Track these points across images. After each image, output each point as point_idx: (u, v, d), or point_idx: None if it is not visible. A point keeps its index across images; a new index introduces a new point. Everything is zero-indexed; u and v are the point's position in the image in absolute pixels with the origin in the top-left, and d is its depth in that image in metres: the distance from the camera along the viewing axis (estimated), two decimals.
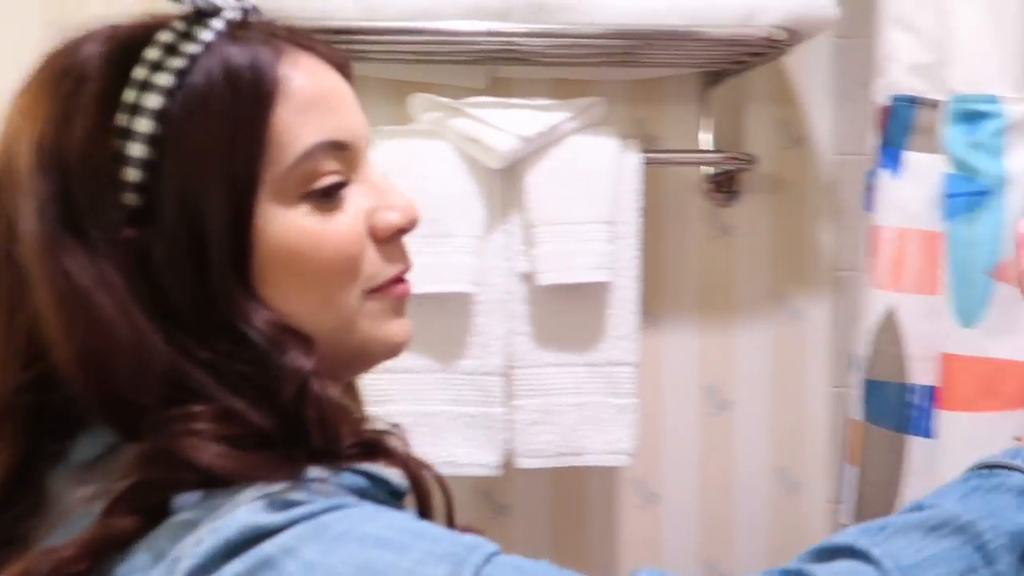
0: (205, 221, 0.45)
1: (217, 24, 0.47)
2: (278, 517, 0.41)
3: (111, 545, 0.42)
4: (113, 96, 0.45)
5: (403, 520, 0.44)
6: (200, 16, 0.46)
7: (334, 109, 0.50)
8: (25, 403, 0.46)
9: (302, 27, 0.52)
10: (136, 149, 0.45)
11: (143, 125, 0.45)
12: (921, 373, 0.95)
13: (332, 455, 0.46)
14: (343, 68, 0.53)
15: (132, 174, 0.45)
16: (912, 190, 0.96)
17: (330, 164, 0.49)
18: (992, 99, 0.88)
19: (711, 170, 1.27)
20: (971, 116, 0.89)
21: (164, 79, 0.45)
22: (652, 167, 1.17)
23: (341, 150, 0.50)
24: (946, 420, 0.90)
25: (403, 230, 0.53)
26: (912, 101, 0.97)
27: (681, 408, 1.29)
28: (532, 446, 1.08)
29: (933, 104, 0.95)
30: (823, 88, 1.30)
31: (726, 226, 1.29)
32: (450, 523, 0.52)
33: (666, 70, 1.23)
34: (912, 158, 0.96)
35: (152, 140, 0.45)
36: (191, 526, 0.41)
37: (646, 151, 1.15)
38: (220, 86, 0.45)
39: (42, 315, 0.44)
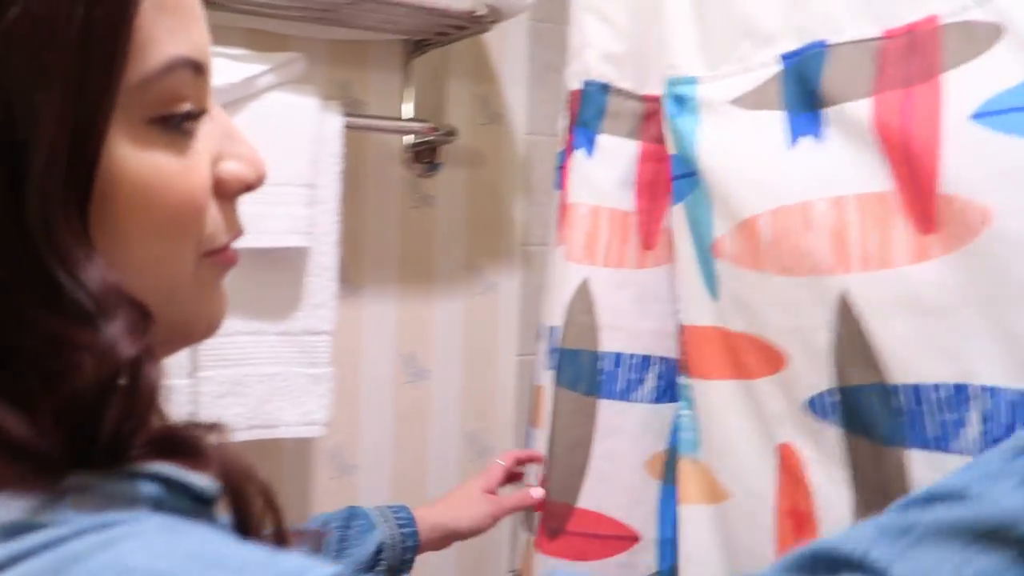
0: (32, 125, 0.33)
1: None
2: (4, 550, 0.30)
3: None
4: None
5: (197, 542, 0.34)
6: None
7: (195, 21, 0.40)
8: None
9: None
10: None
11: None
12: (610, 341, 1.02)
13: (113, 455, 0.35)
14: None
15: None
16: (604, 171, 1.01)
17: (188, 88, 0.39)
18: (691, 80, 0.92)
19: (412, 139, 1.27)
20: (678, 99, 0.93)
21: None
22: (354, 132, 1.14)
23: (200, 73, 0.40)
24: (701, 388, 0.94)
25: (250, 187, 0.44)
26: (605, 88, 1.02)
27: (378, 377, 1.28)
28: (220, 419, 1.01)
29: (623, 92, 1.01)
30: (520, 68, 1.35)
31: (426, 197, 1.30)
32: (280, 536, 0.42)
33: (370, 33, 1.21)
34: (604, 141, 1.02)
35: None
36: None
37: (348, 115, 1.12)
38: None
39: None
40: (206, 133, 0.41)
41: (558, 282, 1.06)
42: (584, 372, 1.03)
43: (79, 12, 0.34)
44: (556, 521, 1.05)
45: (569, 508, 1.04)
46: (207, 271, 0.43)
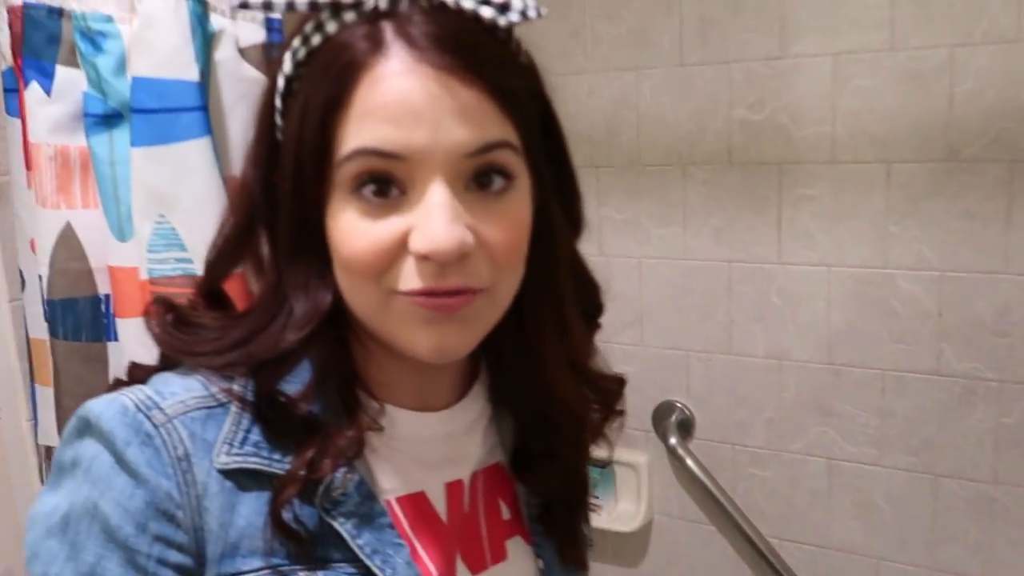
0: (273, 197, 0.56)
1: (342, 18, 0.52)
2: (102, 427, 0.55)
3: None
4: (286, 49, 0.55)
5: None
6: (336, 9, 0.52)
7: (394, 119, 0.50)
8: None
9: (429, 25, 0.51)
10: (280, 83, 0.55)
11: (286, 66, 0.54)
12: (106, 284, 0.96)
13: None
14: (458, 72, 0.51)
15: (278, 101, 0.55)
16: (63, 107, 0.92)
17: (374, 172, 0.51)
18: (108, 19, 0.87)
19: None
20: (94, 36, 0.87)
21: (300, 52, 0.54)
22: None
23: (385, 158, 0.51)
24: (121, 327, 0.94)
25: (424, 257, 0.51)
26: (55, 12, 0.91)
27: None
28: None
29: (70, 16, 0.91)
30: None
31: None
32: None
33: None
34: (62, 75, 0.92)
35: (287, 84, 0.54)
36: None
37: None
38: (316, 80, 0.52)
39: None
40: (408, 208, 0.52)
41: (36, 228, 0.97)
42: (86, 320, 0.97)
43: (313, 120, 0.52)
44: None
45: None
46: (397, 306, 0.53)
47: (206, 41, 0.79)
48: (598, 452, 0.72)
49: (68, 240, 0.94)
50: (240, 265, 0.59)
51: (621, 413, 0.70)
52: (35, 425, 1.12)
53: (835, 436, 1.56)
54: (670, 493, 1.71)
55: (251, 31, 0.83)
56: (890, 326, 1.47)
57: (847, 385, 1.53)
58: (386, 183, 0.52)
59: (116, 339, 0.97)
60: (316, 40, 0.53)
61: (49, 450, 1.11)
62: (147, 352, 0.94)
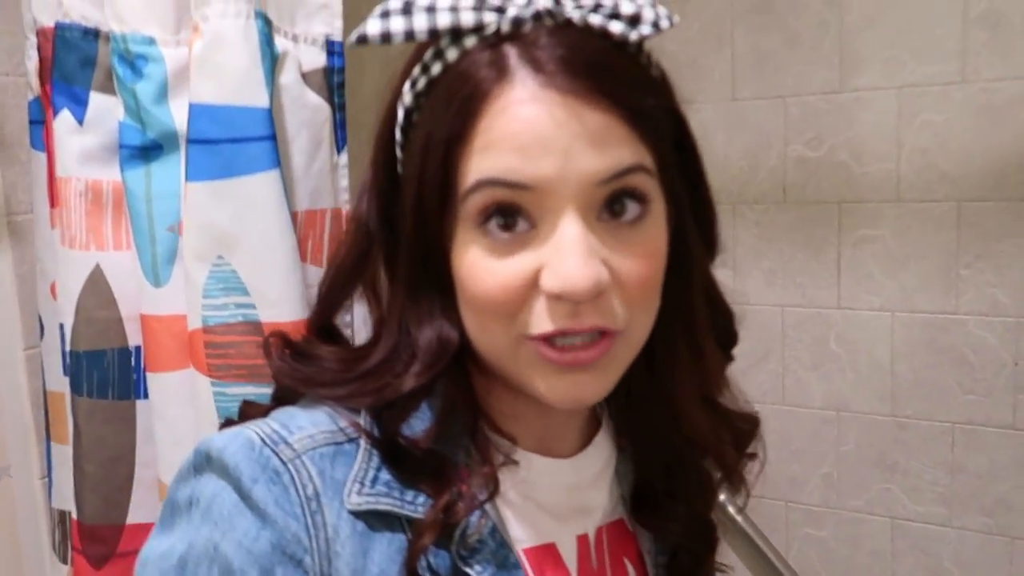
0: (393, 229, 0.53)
1: (463, 44, 0.49)
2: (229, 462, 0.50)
3: None
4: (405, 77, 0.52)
5: None
6: (456, 35, 0.49)
7: (519, 148, 0.47)
8: None
9: (559, 47, 0.48)
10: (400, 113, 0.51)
11: (406, 97, 0.51)
12: (139, 335, 0.86)
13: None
14: (587, 95, 0.47)
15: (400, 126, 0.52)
16: (97, 137, 0.82)
17: (501, 204, 0.48)
18: (150, 41, 0.77)
19: None
20: (134, 59, 0.78)
21: (420, 82, 0.50)
22: None
23: (511, 188, 0.48)
24: (154, 383, 0.84)
25: (557, 296, 0.48)
26: (91, 34, 0.82)
27: None
28: None
29: (108, 39, 0.82)
30: None
31: None
32: None
33: None
34: (97, 102, 0.82)
35: (407, 116, 0.51)
36: None
37: None
38: (439, 111, 0.49)
39: None
40: (536, 245, 0.49)
41: (60, 271, 0.86)
42: (113, 375, 0.86)
43: (435, 155, 0.49)
44: (102, 546, 0.89)
45: (117, 529, 0.89)
46: (526, 353, 0.50)
47: (272, 64, 0.70)
48: (732, 498, 0.67)
49: (97, 284, 0.84)
50: (351, 298, 0.57)
51: (754, 456, 0.64)
52: (49, 485, 1.01)
53: (899, 494, 1.45)
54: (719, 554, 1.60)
55: (312, 55, 0.74)
56: (960, 376, 1.38)
57: (913, 439, 1.43)
58: (514, 216, 0.49)
59: (146, 397, 0.86)
60: (437, 69, 0.50)
61: (63, 514, 1.00)
62: (183, 411, 0.84)
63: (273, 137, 0.69)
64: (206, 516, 0.49)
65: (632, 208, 0.50)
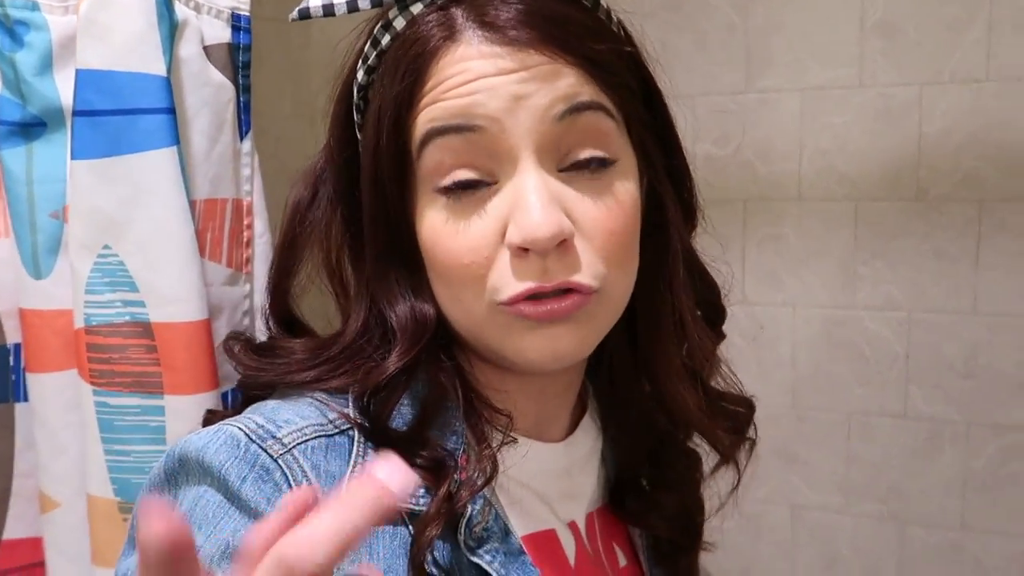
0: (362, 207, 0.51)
1: (410, 11, 0.48)
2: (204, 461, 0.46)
3: None
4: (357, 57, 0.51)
5: None
6: (403, 3, 0.48)
7: (467, 95, 0.45)
8: None
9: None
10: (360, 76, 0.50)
11: (360, 76, 0.51)
12: (15, 330, 0.77)
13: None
14: (537, 45, 0.45)
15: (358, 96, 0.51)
16: None
17: (455, 158, 0.46)
18: (33, 6, 0.69)
19: None
20: (13, 26, 0.70)
21: (371, 56, 0.50)
22: None
23: (462, 133, 0.46)
24: (35, 384, 0.75)
25: (522, 249, 0.46)
26: None
27: None
28: None
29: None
30: None
31: None
32: None
33: None
34: None
35: (362, 93, 0.51)
36: None
37: None
38: (388, 79, 0.48)
39: None
40: (497, 200, 0.47)
41: None
42: None
43: (384, 132, 0.48)
44: None
45: None
46: (502, 319, 0.48)
47: (171, 31, 0.63)
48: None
49: None
50: (294, 282, 0.55)
51: (752, 441, 0.64)
52: None
53: (799, 484, 1.48)
54: None
55: (216, 28, 0.67)
56: (856, 369, 1.42)
57: (812, 430, 1.46)
58: (471, 173, 0.47)
59: (26, 399, 0.78)
60: (386, 40, 0.49)
61: None
62: (66, 416, 0.76)
63: (171, 111, 0.62)
64: (192, 520, 0.44)
65: (595, 155, 0.47)
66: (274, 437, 0.47)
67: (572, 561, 0.55)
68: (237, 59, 0.72)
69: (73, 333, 0.67)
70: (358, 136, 0.52)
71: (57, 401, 0.73)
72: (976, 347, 1.34)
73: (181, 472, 0.46)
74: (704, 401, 0.59)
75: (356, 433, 0.49)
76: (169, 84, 0.62)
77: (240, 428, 0.47)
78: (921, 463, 1.40)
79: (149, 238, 0.62)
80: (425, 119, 0.46)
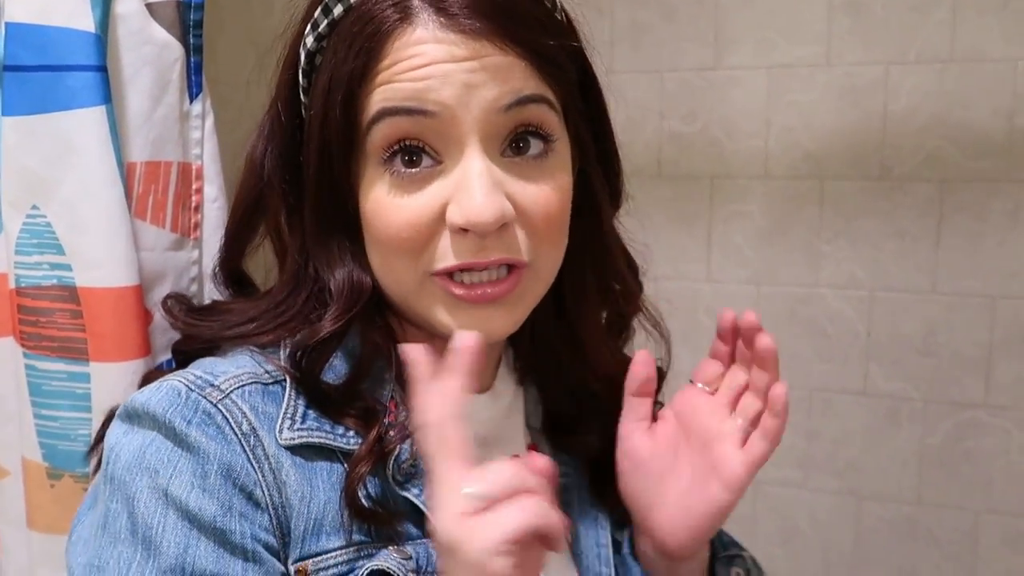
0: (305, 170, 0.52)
1: None
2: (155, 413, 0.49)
3: None
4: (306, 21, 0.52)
5: None
6: None
7: (421, 79, 0.47)
8: None
9: None
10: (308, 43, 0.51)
11: (308, 40, 0.51)
12: None
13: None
14: (489, 35, 0.47)
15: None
16: None
17: (403, 136, 0.48)
18: None
19: None
20: None
21: (322, 24, 0.50)
22: None
23: (413, 116, 0.47)
24: None
25: (463, 229, 0.48)
26: None
27: None
28: None
29: None
30: None
31: None
32: None
33: None
34: None
35: (309, 59, 0.51)
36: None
37: None
38: (341, 52, 0.48)
39: None
40: (441, 181, 0.49)
41: None
42: None
43: (338, 94, 0.49)
44: None
45: None
46: (432, 288, 0.51)
47: None
48: None
49: None
50: (254, 240, 0.56)
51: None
52: None
53: None
54: None
55: None
56: (819, 346, 1.41)
57: None
58: (418, 152, 0.48)
59: None
60: (338, 11, 0.49)
61: None
62: (11, 381, 0.74)
63: (100, 68, 0.59)
64: (140, 468, 0.46)
65: (536, 144, 0.50)
66: (212, 385, 0.49)
67: None
68: (188, 18, 0.69)
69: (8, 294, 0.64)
70: (302, 99, 0.53)
71: (3, 368, 0.71)
72: (935, 326, 1.34)
73: (129, 423, 0.49)
74: (620, 356, 0.63)
75: (289, 381, 0.51)
76: (100, 40, 0.59)
77: (180, 381, 0.49)
78: (879, 439, 1.40)
79: (76, 199, 0.59)
80: (379, 98, 0.48)
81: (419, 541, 0.52)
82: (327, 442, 0.51)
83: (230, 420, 0.48)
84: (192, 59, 0.71)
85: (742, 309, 1.48)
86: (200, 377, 0.49)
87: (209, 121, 0.73)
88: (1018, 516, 1.33)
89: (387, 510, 0.51)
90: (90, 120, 0.58)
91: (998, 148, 1.26)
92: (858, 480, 1.42)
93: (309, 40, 0.51)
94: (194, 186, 0.72)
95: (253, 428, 0.48)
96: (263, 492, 0.48)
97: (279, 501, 0.48)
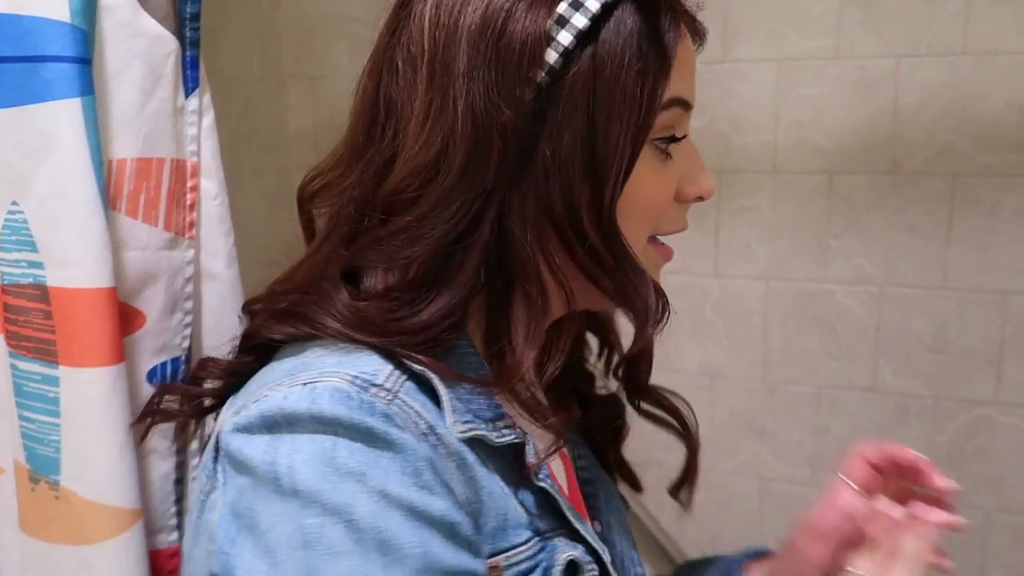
0: (603, 139, 0.49)
1: None
2: (333, 414, 0.45)
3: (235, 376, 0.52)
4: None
5: None
6: None
7: (690, 73, 0.53)
8: None
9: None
10: (565, 38, 0.48)
11: (579, 21, 0.48)
12: None
13: None
14: (699, 36, 0.55)
15: (553, 56, 0.48)
16: None
17: (675, 119, 0.52)
18: None
19: None
20: None
21: (578, 20, 0.48)
22: None
23: (686, 109, 0.53)
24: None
25: (700, 198, 0.56)
26: None
27: None
28: None
29: None
30: None
31: None
32: None
33: None
34: None
35: (578, 40, 0.48)
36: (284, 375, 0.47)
37: None
38: (634, 43, 0.49)
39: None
40: (680, 154, 0.54)
41: None
42: None
43: (638, 84, 0.49)
44: None
45: None
46: (651, 255, 0.56)
47: None
48: None
49: None
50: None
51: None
52: None
53: (768, 456, 1.45)
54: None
55: None
56: (827, 342, 1.38)
57: (782, 403, 1.43)
58: (681, 132, 0.54)
59: None
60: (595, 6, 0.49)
61: None
62: (3, 378, 0.72)
63: (80, 60, 0.56)
64: (338, 474, 0.42)
65: None
66: (375, 384, 0.46)
67: (562, 475, 0.61)
68: (184, 10, 0.66)
69: None
70: (538, 98, 0.49)
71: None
72: (945, 322, 1.31)
73: (283, 426, 0.44)
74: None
75: (438, 378, 0.48)
76: (78, 31, 0.56)
77: (339, 382, 0.45)
78: (888, 436, 1.37)
79: (49, 195, 0.56)
80: (676, 86, 0.51)
81: (564, 532, 0.54)
82: (487, 435, 0.49)
83: (409, 420, 0.46)
84: (188, 53, 0.69)
85: (749, 304, 1.45)
86: (356, 376, 0.46)
87: (208, 118, 0.71)
88: None
89: (550, 500, 0.53)
90: (64, 112, 0.55)
91: (1011, 142, 1.22)
92: None
93: (563, 35, 0.48)
94: (189, 183, 0.69)
95: (430, 426, 0.46)
96: (460, 489, 0.47)
97: (470, 497, 0.47)
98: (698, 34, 0.55)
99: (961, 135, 1.25)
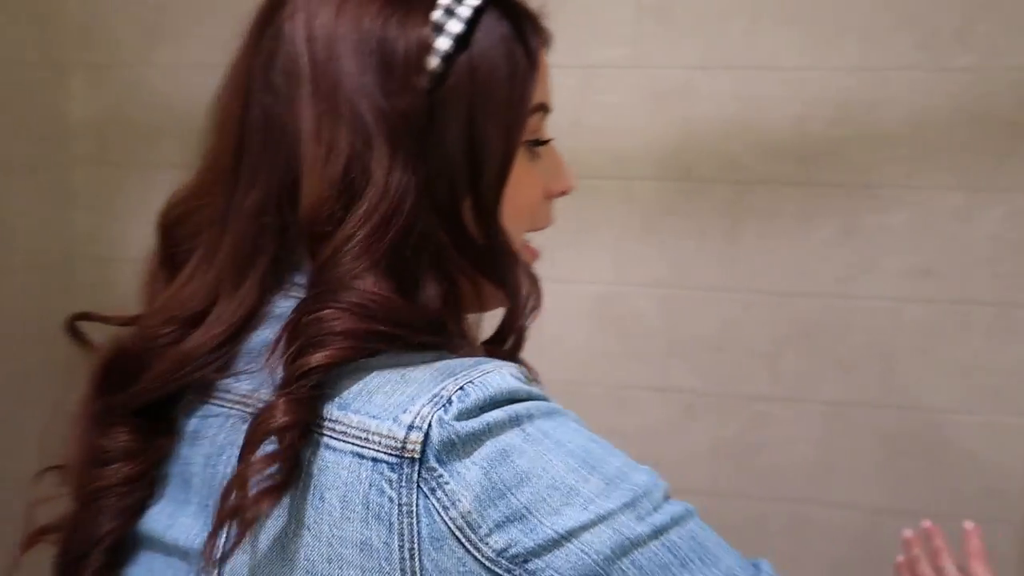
0: (483, 145, 0.52)
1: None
2: (530, 388, 0.47)
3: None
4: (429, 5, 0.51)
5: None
6: None
7: (547, 79, 0.57)
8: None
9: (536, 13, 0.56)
10: (444, 43, 0.51)
11: (454, 27, 0.51)
12: None
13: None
14: (546, 43, 0.58)
15: (435, 62, 0.50)
16: None
17: (539, 122, 0.56)
18: None
19: None
20: None
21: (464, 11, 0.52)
22: None
23: (547, 113, 0.57)
24: None
25: (563, 193, 0.61)
26: None
27: None
28: None
29: None
30: None
31: None
32: None
33: None
34: None
35: (457, 45, 0.51)
36: (448, 373, 0.46)
37: None
38: (505, 48, 0.52)
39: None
40: (545, 153, 0.58)
41: None
42: None
43: (508, 88, 0.52)
44: None
45: None
46: (525, 255, 0.59)
47: None
48: None
49: None
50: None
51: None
52: None
53: None
54: None
55: None
56: (623, 344, 1.42)
57: (581, 404, 1.44)
58: (544, 135, 0.57)
59: None
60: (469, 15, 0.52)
61: None
62: None
63: None
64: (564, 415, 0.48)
65: None
66: (527, 378, 0.49)
67: None
68: None
69: None
70: (423, 104, 0.50)
71: None
72: (728, 322, 1.38)
73: (500, 399, 0.46)
74: None
75: (529, 376, 0.51)
76: None
77: (508, 374, 0.47)
78: (678, 433, 1.42)
79: None
80: (539, 93, 0.54)
81: None
82: None
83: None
84: None
85: (549, 308, 1.45)
86: (511, 373, 0.48)
87: None
88: (802, 503, 1.39)
89: None
90: None
91: (789, 153, 1.31)
92: (659, 473, 1.44)
93: (440, 41, 0.50)
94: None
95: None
96: None
97: None
98: (546, 42, 0.59)
99: (745, 145, 1.32)
